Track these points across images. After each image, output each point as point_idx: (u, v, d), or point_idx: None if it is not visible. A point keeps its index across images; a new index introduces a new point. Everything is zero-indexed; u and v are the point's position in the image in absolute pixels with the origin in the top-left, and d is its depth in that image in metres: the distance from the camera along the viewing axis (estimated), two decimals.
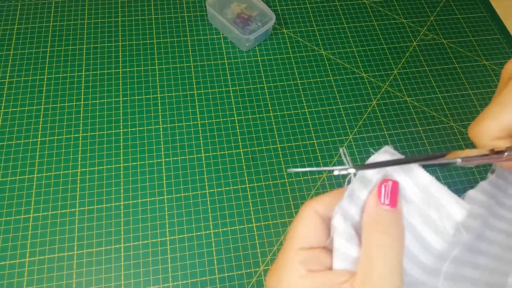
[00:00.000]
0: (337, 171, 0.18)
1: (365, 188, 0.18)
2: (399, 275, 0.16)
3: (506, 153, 0.19)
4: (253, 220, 0.47)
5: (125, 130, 0.52)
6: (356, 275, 0.17)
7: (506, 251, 0.23)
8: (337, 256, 0.18)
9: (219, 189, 0.49)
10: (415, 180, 0.18)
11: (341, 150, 0.19)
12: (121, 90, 0.55)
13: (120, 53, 0.58)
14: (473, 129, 0.21)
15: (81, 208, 0.46)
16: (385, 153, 0.18)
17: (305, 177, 0.50)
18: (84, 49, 0.58)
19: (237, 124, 0.54)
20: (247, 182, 0.49)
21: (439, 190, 0.18)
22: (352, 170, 0.18)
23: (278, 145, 0.52)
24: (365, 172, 0.18)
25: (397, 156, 0.19)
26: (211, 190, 0.49)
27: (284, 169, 0.51)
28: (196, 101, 0.55)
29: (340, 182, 0.50)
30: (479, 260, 0.21)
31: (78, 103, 0.53)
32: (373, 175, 0.18)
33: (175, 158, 0.50)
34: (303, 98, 0.57)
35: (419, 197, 0.18)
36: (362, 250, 0.17)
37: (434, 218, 0.18)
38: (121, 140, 0.51)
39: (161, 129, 0.52)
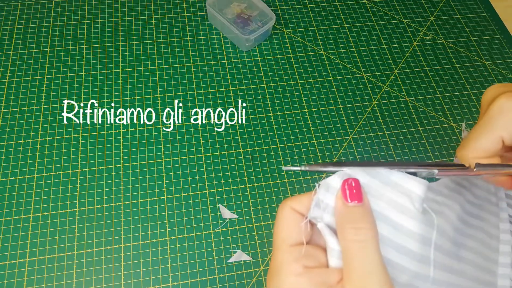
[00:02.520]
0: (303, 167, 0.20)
1: (332, 195, 0.19)
2: (380, 264, 0.17)
3: (475, 169, 0.21)
4: (253, 220, 0.47)
5: (125, 130, 0.52)
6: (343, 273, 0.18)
7: (486, 247, 0.24)
8: (332, 254, 0.19)
9: (219, 189, 0.49)
10: (377, 176, 0.19)
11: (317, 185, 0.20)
12: (121, 90, 0.55)
13: (120, 53, 0.58)
14: (459, 152, 0.24)
15: (81, 208, 0.46)
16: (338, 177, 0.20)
17: (305, 177, 0.50)
18: (84, 49, 0.58)
19: (237, 124, 0.54)
20: (247, 182, 0.49)
21: (399, 177, 0.19)
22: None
23: (278, 145, 0.52)
24: (329, 180, 0.20)
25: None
26: (211, 190, 0.49)
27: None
28: (196, 101, 0.55)
29: None
30: (463, 253, 0.22)
31: (78, 103, 0.53)
32: (337, 182, 0.19)
33: (175, 158, 0.50)
34: (303, 98, 0.57)
35: (384, 189, 0.19)
36: (342, 249, 0.18)
37: (402, 202, 0.19)
38: (121, 140, 0.51)
39: (161, 129, 0.52)
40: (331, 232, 0.19)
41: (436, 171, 0.20)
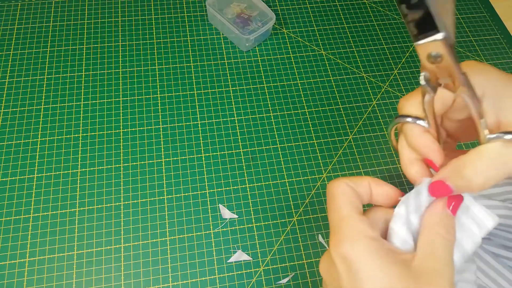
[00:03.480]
0: None
1: (421, 202, 0.22)
2: (453, 264, 0.19)
3: (396, 119, 0.23)
4: (253, 220, 0.47)
5: (125, 130, 0.52)
6: (416, 255, 0.19)
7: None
8: (395, 238, 0.21)
9: (219, 189, 0.49)
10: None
11: None
12: (121, 90, 0.55)
13: (120, 53, 0.58)
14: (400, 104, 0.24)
15: (81, 208, 0.46)
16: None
17: (305, 177, 0.50)
18: (84, 49, 0.58)
19: (237, 124, 0.54)
20: (247, 182, 0.49)
21: (476, 206, 0.21)
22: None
23: (278, 145, 0.52)
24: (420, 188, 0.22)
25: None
26: (211, 190, 0.49)
27: (284, 169, 0.51)
28: (196, 101, 0.55)
29: None
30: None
31: (78, 103, 0.53)
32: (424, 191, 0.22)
33: (175, 158, 0.50)
34: (303, 98, 0.57)
35: (460, 211, 0.22)
36: (423, 240, 0.19)
37: (470, 225, 0.21)
38: (121, 140, 0.51)
39: (161, 129, 0.52)
40: (405, 220, 0.21)
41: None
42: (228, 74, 0.58)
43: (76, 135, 0.51)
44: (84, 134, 0.51)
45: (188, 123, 0.53)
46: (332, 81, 0.59)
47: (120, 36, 0.60)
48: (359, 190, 0.22)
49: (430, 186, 0.21)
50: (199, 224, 0.46)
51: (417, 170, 0.22)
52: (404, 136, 0.23)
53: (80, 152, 0.50)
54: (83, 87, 0.55)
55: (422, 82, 0.20)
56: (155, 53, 0.58)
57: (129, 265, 0.44)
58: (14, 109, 0.52)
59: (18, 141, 0.50)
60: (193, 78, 0.57)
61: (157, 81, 0.56)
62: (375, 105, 0.57)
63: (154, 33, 0.60)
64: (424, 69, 0.19)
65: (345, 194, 0.21)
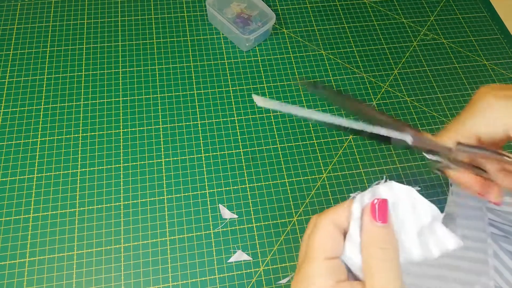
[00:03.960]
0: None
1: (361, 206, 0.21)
2: (399, 280, 0.18)
3: (457, 146, 0.22)
4: (253, 220, 0.47)
5: (125, 130, 0.52)
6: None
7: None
8: (350, 240, 0.20)
9: (219, 189, 0.49)
10: (412, 203, 0.20)
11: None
12: (121, 90, 0.55)
13: (120, 53, 0.58)
14: (442, 134, 0.25)
15: (81, 208, 0.46)
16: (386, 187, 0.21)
17: (305, 177, 0.50)
18: (84, 49, 0.58)
19: (237, 124, 0.54)
20: (247, 182, 0.49)
21: (436, 217, 0.20)
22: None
23: (278, 145, 0.52)
24: (363, 196, 0.21)
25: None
26: (211, 190, 0.49)
27: (284, 169, 0.51)
28: (196, 101, 0.55)
29: (335, 183, 0.50)
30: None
31: (78, 103, 0.53)
32: (369, 198, 0.20)
33: (175, 158, 0.50)
34: (303, 98, 0.57)
35: (412, 218, 0.20)
36: (364, 264, 0.19)
37: (425, 239, 0.20)
38: (121, 140, 0.51)
39: (161, 129, 0.52)
40: (357, 219, 0.20)
41: (410, 138, 0.21)
42: (228, 74, 0.58)
43: (76, 135, 0.51)
44: (84, 134, 0.51)
45: (188, 123, 0.53)
46: (332, 81, 0.59)
47: (120, 36, 0.60)
48: (344, 225, 0.21)
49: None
50: (199, 224, 0.46)
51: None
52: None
53: (80, 152, 0.50)
54: (83, 87, 0.55)
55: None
56: (155, 53, 0.58)
57: (129, 265, 0.44)
58: (14, 109, 0.52)
59: (18, 141, 0.50)
60: (193, 78, 0.57)
61: (157, 81, 0.56)
62: (375, 105, 0.57)
63: (154, 33, 0.60)
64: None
65: (324, 231, 0.21)
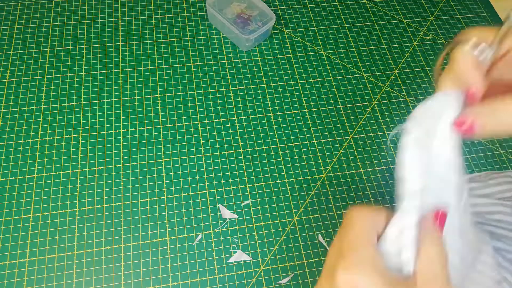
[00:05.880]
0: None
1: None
2: (447, 272, 0.19)
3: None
4: (253, 220, 0.47)
5: (125, 130, 0.52)
6: (418, 275, 0.19)
7: None
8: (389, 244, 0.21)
9: (219, 189, 0.49)
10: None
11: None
12: (121, 90, 0.55)
13: (120, 53, 0.58)
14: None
15: (81, 208, 0.46)
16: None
17: (305, 177, 0.50)
18: (84, 49, 0.58)
19: (237, 124, 0.54)
20: (247, 182, 0.49)
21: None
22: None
23: (278, 145, 0.52)
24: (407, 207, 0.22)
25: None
26: (211, 190, 0.49)
27: (284, 169, 0.51)
28: (196, 101, 0.55)
29: (335, 183, 0.50)
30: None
31: (78, 103, 0.53)
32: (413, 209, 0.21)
33: (175, 158, 0.50)
34: (303, 98, 0.57)
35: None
36: (421, 265, 0.20)
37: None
38: (121, 140, 0.51)
39: (161, 129, 0.52)
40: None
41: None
42: (228, 74, 0.58)
43: (76, 135, 0.51)
44: (84, 134, 0.51)
45: (188, 123, 0.53)
46: (332, 81, 0.59)
47: (120, 36, 0.60)
48: (378, 224, 0.22)
49: (457, 120, 0.21)
50: (199, 224, 0.46)
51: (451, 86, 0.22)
52: (456, 58, 0.22)
53: (80, 152, 0.50)
54: (83, 87, 0.55)
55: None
56: (155, 53, 0.58)
57: (129, 265, 0.44)
58: (14, 109, 0.52)
59: (18, 141, 0.50)
60: (193, 78, 0.57)
61: (157, 81, 0.56)
62: (375, 105, 0.57)
63: (154, 33, 0.60)
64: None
65: (365, 225, 0.21)
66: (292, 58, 0.60)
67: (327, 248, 0.45)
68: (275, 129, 0.54)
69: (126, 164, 0.49)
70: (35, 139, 0.50)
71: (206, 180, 0.49)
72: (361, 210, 0.22)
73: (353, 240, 0.20)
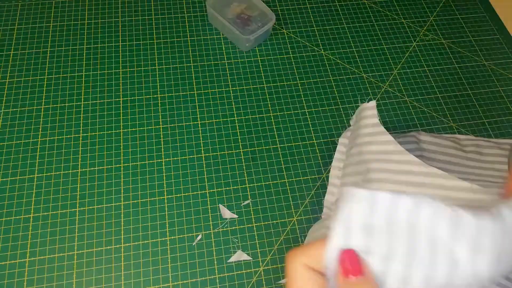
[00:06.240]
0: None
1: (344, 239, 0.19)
2: None
3: None
4: (253, 220, 0.47)
5: (125, 130, 0.52)
6: None
7: None
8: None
9: (219, 189, 0.49)
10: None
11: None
12: (121, 90, 0.55)
13: (120, 53, 0.58)
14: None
15: (81, 208, 0.46)
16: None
17: (305, 177, 0.50)
18: (84, 49, 0.58)
19: (237, 124, 0.54)
20: (247, 182, 0.49)
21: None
22: None
23: (278, 145, 0.52)
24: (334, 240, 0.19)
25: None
26: (211, 190, 0.49)
27: (284, 169, 0.51)
28: (196, 101, 0.55)
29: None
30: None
31: (78, 103, 0.53)
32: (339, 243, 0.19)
33: (175, 158, 0.50)
34: (303, 98, 0.57)
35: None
36: None
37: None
38: (121, 140, 0.51)
39: (161, 129, 0.52)
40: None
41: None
42: (228, 74, 0.58)
43: (76, 135, 0.51)
44: (84, 134, 0.51)
45: (188, 123, 0.53)
46: (332, 81, 0.59)
47: (120, 36, 0.60)
48: (317, 266, 0.20)
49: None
50: (199, 224, 0.46)
51: None
52: None
53: (80, 152, 0.50)
54: (83, 87, 0.55)
55: None
56: (155, 53, 0.59)
57: (129, 265, 0.44)
58: (14, 109, 0.52)
59: (18, 141, 0.50)
60: (193, 78, 0.57)
61: (157, 81, 0.56)
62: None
63: (154, 33, 0.60)
64: None
65: (299, 278, 0.20)
66: (292, 58, 0.60)
67: None
68: (275, 129, 0.54)
69: (126, 164, 0.49)
70: (35, 139, 0.50)
71: (206, 180, 0.49)
72: (293, 261, 0.20)
73: None
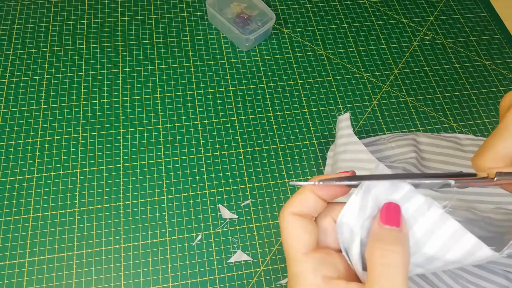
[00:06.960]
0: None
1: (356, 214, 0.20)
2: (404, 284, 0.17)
3: (495, 178, 0.20)
4: (253, 220, 0.47)
5: (125, 130, 0.52)
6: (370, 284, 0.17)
7: None
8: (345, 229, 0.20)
9: (219, 189, 0.49)
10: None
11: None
12: (121, 90, 0.55)
13: (120, 53, 0.58)
14: (474, 160, 0.23)
15: (81, 208, 0.46)
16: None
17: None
18: (84, 49, 0.58)
19: (237, 124, 0.54)
20: (247, 182, 0.49)
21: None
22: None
23: (278, 145, 0.52)
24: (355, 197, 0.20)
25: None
26: (211, 190, 0.48)
27: (284, 169, 0.51)
28: (196, 101, 0.55)
29: None
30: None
31: (78, 103, 0.53)
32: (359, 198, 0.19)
33: (175, 158, 0.50)
34: (303, 98, 0.57)
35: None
36: (368, 267, 0.18)
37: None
38: (121, 140, 0.51)
39: (161, 129, 0.52)
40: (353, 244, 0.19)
41: (452, 182, 0.20)
42: (228, 74, 0.58)
43: (76, 135, 0.51)
44: (84, 134, 0.51)
45: (188, 123, 0.53)
46: (332, 81, 0.59)
47: (120, 36, 0.60)
48: (306, 210, 0.20)
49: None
50: (199, 224, 0.46)
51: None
52: None
53: (80, 152, 0.50)
54: (83, 87, 0.55)
55: None
56: (155, 53, 0.58)
57: (129, 265, 0.43)
58: (14, 109, 0.52)
59: (18, 141, 0.50)
60: (193, 78, 0.57)
61: (157, 81, 0.56)
62: (375, 105, 0.57)
63: (154, 33, 0.60)
64: None
65: (289, 227, 0.20)
66: (292, 58, 0.60)
67: None
68: (275, 129, 0.54)
69: (126, 164, 0.49)
70: (35, 139, 0.50)
71: (206, 180, 0.49)
72: (282, 214, 0.20)
73: (286, 253, 0.20)
